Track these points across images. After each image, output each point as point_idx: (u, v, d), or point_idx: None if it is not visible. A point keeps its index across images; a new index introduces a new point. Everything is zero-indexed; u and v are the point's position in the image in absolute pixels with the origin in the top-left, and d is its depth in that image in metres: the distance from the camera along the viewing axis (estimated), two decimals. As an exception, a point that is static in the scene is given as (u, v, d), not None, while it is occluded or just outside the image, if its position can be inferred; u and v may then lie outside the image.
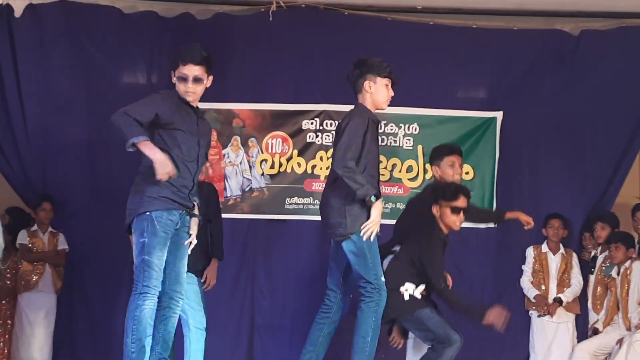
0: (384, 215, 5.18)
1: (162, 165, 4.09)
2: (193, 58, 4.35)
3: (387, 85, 4.63)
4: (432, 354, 4.83)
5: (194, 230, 4.47)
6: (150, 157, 4.10)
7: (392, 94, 4.68)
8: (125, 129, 4.10)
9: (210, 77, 4.48)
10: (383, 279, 4.51)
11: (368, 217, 4.52)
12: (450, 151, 5.27)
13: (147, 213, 4.25)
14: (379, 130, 4.88)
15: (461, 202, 4.98)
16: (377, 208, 4.47)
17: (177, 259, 4.41)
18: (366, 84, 4.59)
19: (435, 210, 5.01)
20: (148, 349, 4.27)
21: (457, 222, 5.01)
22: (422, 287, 4.88)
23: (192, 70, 4.33)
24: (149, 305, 4.26)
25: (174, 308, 4.43)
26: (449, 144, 5.62)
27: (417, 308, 4.81)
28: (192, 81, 4.35)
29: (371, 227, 4.44)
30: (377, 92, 4.62)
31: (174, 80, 4.41)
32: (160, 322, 4.37)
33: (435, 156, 5.35)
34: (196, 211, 4.50)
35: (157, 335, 4.37)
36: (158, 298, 4.31)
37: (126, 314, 4.26)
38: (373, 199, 4.44)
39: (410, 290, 4.87)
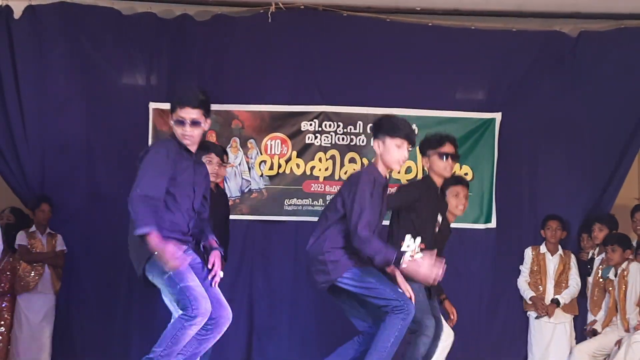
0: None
1: (172, 257, 4.09)
2: (190, 101, 4.31)
3: (398, 146, 4.50)
4: (410, 348, 4.86)
5: (217, 264, 4.47)
6: (158, 251, 4.10)
7: (406, 155, 4.55)
8: (137, 217, 4.09)
9: (209, 120, 4.45)
10: (400, 289, 4.46)
11: (350, 260, 4.44)
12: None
13: (155, 253, 4.19)
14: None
15: (447, 147, 5.03)
16: (411, 265, 4.32)
17: (209, 285, 4.39)
18: (375, 144, 4.53)
19: (425, 162, 5.11)
20: None
21: (447, 167, 5.03)
22: (418, 240, 4.75)
23: (190, 113, 4.31)
24: (193, 330, 4.24)
25: (213, 332, 4.36)
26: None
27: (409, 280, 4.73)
28: (190, 125, 4.32)
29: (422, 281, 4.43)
30: (386, 153, 4.51)
31: (171, 123, 4.37)
32: (196, 339, 4.31)
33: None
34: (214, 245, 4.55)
35: (188, 349, 4.33)
36: None
37: (169, 325, 4.23)
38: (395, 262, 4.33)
39: (411, 245, 4.74)
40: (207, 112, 4.40)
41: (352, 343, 4.60)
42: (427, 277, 4.33)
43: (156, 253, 4.09)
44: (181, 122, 4.30)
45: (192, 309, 4.17)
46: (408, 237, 4.68)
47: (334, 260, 4.40)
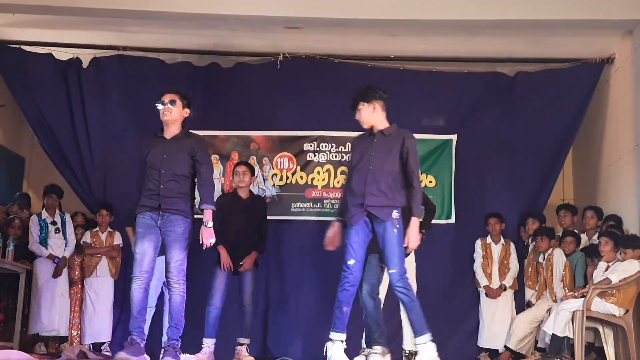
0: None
1: None
2: (169, 90, 4.87)
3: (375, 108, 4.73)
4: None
5: (204, 236, 4.70)
6: None
7: (357, 117, 4.77)
8: None
9: (187, 110, 4.87)
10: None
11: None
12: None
13: (136, 217, 4.76)
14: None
15: None
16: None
17: (168, 252, 4.69)
18: (369, 107, 4.77)
19: None
20: (140, 318, 4.65)
21: None
22: None
23: (167, 96, 4.82)
24: (135, 286, 4.63)
25: (171, 289, 4.69)
26: None
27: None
28: (168, 103, 4.79)
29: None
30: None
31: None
32: (168, 300, 4.72)
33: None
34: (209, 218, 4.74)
35: (169, 310, 4.70)
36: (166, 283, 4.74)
37: None
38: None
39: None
40: (183, 99, 4.83)
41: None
42: None
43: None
44: (162, 103, 4.79)
45: (133, 269, 4.67)
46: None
47: None
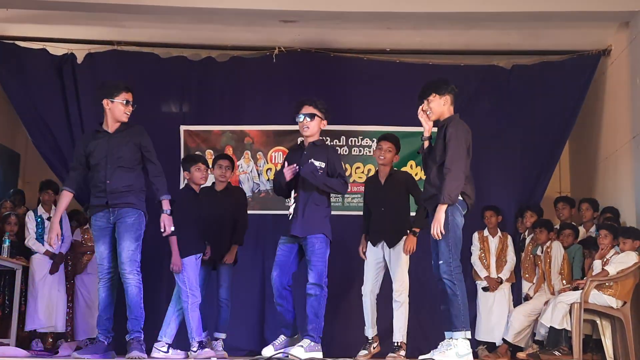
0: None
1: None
2: (130, 89, 4.90)
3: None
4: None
5: (165, 225, 4.79)
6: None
7: (423, 107, 4.85)
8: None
9: None
10: None
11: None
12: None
13: (90, 219, 4.91)
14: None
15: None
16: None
17: (119, 243, 4.73)
18: (442, 100, 4.88)
19: None
20: (105, 316, 4.82)
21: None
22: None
23: (130, 96, 4.90)
24: (99, 286, 4.86)
25: (126, 281, 4.75)
26: None
27: None
28: (131, 105, 4.90)
29: None
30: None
31: (109, 106, 4.80)
32: (125, 292, 4.77)
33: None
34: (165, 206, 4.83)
35: (127, 302, 4.78)
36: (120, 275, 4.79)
37: None
38: None
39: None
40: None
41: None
42: None
43: None
44: (128, 103, 4.84)
45: (97, 272, 4.92)
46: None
47: None
